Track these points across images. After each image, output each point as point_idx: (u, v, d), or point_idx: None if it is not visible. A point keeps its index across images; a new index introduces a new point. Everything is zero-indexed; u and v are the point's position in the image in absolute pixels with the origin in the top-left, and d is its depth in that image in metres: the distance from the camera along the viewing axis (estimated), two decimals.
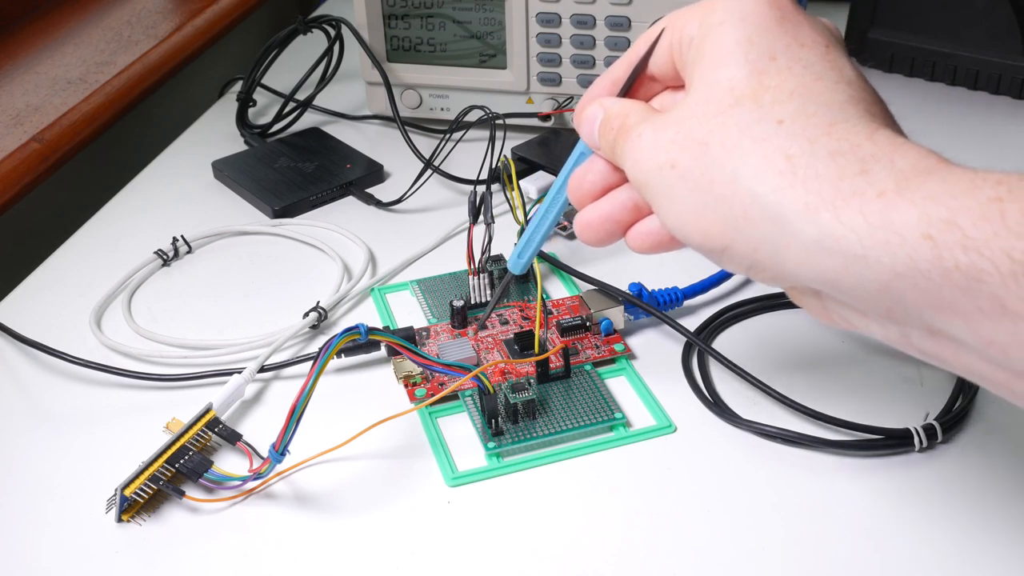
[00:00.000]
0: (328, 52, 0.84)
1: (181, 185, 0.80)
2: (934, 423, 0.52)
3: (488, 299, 0.62)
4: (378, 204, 0.75)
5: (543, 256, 0.67)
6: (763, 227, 0.36)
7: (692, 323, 0.61)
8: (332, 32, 0.84)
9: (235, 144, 0.84)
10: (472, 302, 0.62)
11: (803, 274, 0.36)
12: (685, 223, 0.39)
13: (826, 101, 0.37)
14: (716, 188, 0.38)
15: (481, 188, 0.63)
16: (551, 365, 0.57)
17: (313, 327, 0.62)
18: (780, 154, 0.36)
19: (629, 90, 0.45)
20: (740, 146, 0.37)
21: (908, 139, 0.36)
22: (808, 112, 0.37)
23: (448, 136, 0.75)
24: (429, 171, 0.74)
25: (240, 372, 0.57)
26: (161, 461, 0.50)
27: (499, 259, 0.66)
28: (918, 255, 0.33)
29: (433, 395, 0.55)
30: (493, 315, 0.62)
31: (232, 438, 0.53)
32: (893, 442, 0.52)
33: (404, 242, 0.70)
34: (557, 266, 0.66)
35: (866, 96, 0.38)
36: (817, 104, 0.37)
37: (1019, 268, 0.31)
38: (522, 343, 0.58)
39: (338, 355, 0.58)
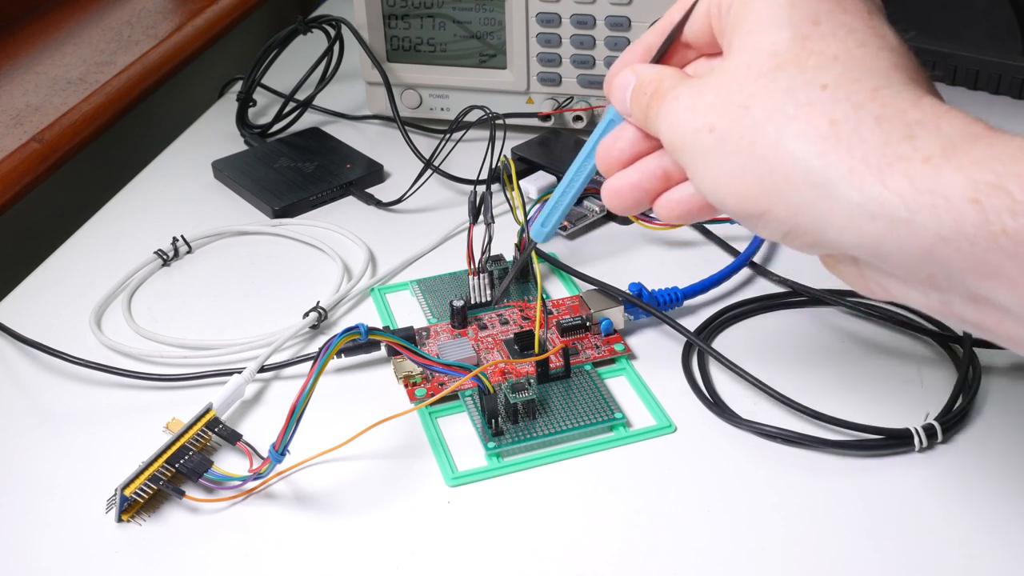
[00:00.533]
0: (328, 52, 0.84)
1: (181, 185, 0.80)
2: (934, 423, 0.52)
3: (488, 299, 0.62)
4: (378, 204, 0.75)
5: (543, 256, 0.67)
6: (805, 191, 0.36)
7: (692, 323, 0.61)
8: (332, 32, 0.84)
9: (235, 144, 0.84)
10: (472, 302, 0.62)
11: (845, 240, 0.36)
12: (722, 187, 0.39)
13: (870, 67, 0.37)
14: (757, 150, 0.37)
15: (481, 188, 0.63)
16: (551, 365, 0.57)
17: (313, 327, 0.62)
18: (825, 119, 0.36)
19: (663, 57, 0.44)
20: (783, 110, 0.37)
21: (953, 107, 0.36)
22: (853, 77, 0.36)
23: (448, 136, 0.75)
24: (429, 171, 0.74)
25: (240, 372, 0.57)
26: (161, 461, 0.50)
27: (499, 259, 0.66)
28: (964, 219, 0.32)
29: (433, 395, 0.55)
30: (493, 315, 0.62)
31: (232, 438, 0.53)
32: (893, 442, 0.52)
33: (404, 242, 0.70)
34: (557, 266, 0.66)
35: (909, 63, 0.38)
36: (861, 70, 0.36)
37: None
38: (522, 343, 0.58)
39: (338, 355, 0.58)
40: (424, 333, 0.60)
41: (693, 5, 0.43)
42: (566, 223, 0.69)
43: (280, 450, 0.50)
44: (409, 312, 0.64)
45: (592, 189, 0.70)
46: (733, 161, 0.38)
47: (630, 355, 0.59)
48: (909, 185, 0.33)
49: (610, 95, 0.44)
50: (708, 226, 0.69)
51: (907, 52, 0.38)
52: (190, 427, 0.52)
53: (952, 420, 0.53)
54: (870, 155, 0.35)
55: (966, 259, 0.33)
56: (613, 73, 0.44)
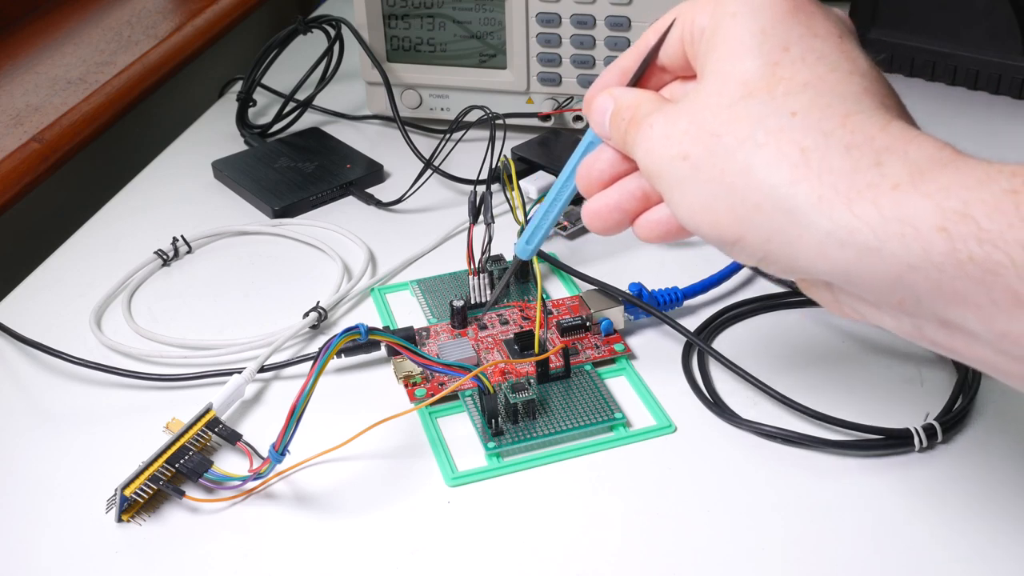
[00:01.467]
0: (328, 52, 0.84)
1: (181, 185, 0.80)
2: (934, 423, 0.52)
3: (488, 299, 0.62)
4: (378, 204, 0.75)
5: (543, 256, 0.67)
6: (776, 219, 0.36)
7: (692, 323, 0.61)
8: (332, 32, 0.84)
9: (235, 144, 0.84)
10: (472, 302, 0.62)
11: (816, 267, 0.36)
12: (696, 214, 0.39)
13: (840, 92, 0.37)
14: (728, 179, 0.37)
15: (481, 188, 0.63)
16: (551, 365, 0.57)
17: (313, 327, 0.62)
18: (794, 147, 0.36)
19: (639, 80, 0.45)
20: (753, 138, 0.37)
21: (922, 131, 0.36)
22: (823, 104, 0.37)
23: (448, 136, 0.75)
24: (429, 171, 0.74)
25: (240, 372, 0.57)
26: (161, 461, 0.50)
27: (499, 259, 0.66)
28: (932, 247, 0.33)
29: (433, 395, 0.55)
30: (493, 315, 0.62)
31: (232, 438, 0.53)
32: (893, 442, 0.52)
33: (404, 242, 0.70)
34: (557, 266, 0.66)
35: (880, 88, 0.38)
36: (831, 95, 0.37)
37: None
38: (522, 343, 0.58)
39: (338, 355, 0.58)
40: (424, 333, 0.60)
41: (667, 30, 0.43)
42: (566, 223, 0.69)
43: (280, 450, 0.50)
44: (409, 312, 0.64)
45: None
46: (707, 189, 0.38)
47: (630, 355, 0.59)
48: (877, 213, 0.34)
49: (589, 118, 0.45)
50: None
51: (878, 76, 0.39)
52: (190, 427, 0.52)
53: (952, 420, 0.53)
54: (839, 183, 0.35)
55: (934, 286, 0.33)
56: (591, 96, 0.45)
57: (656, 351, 0.60)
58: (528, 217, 0.63)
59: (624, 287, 0.61)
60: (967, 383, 0.55)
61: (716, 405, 0.55)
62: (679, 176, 0.39)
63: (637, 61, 0.45)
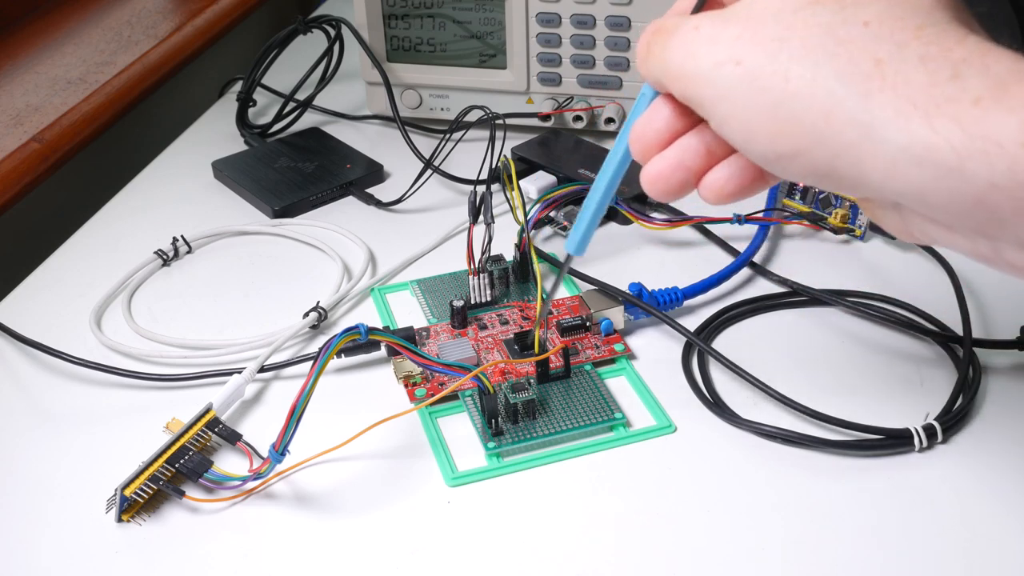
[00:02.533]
0: (328, 52, 0.84)
1: (181, 185, 0.80)
2: (934, 423, 0.52)
3: (488, 299, 0.62)
4: (378, 204, 0.75)
5: (543, 256, 0.67)
6: (847, 132, 0.34)
7: (692, 323, 0.61)
8: (332, 32, 0.84)
9: (235, 144, 0.84)
10: (472, 302, 0.62)
11: (888, 185, 0.34)
12: (750, 126, 0.36)
13: (912, 4, 0.35)
14: (791, 87, 0.35)
15: (481, 188, 0.63)
16: (551, 365, 0.57)
17: (313, 327, 0.62)
18: (868, 57, 0.34)
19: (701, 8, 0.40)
20: (823, 46, 0.35)
21: (998, 45, 0.34)
22: (895, 15, 0.34)
23: (448, 136, 0.75)
24: (429, 171, 0.74)
25: (240, 372, 0.57)
26: (161, 461, 0.50)
27: (499, 259, 0.66)
28: (1018, 165, 0.31)
29: (433, 395, 0.55)
30: (493, 315, 0.62)
31: (232, 438, 0.53)
32: (893, 442, 0.52)
33: (404, 242, 0.70)
34: (557, 266, 0.66)
35: (951, 1, 0.36)
36: (903, 7, 0.35)
37: None
38: (522, 343, 0.58)
39: (338, 355, 0.58)
40: (424, 333, 0.60)
41: None
42: (565, 223, 0.69)
43: (280, 450, 0.50)
44: (409, 312, 0.64)
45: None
46: (764, 98, 0.35)
47: (630, 355, 0.59)
48: (959, 129, 0.32)
49: (638, 64, 0.41)
50: (708, 226, 0.70)
51: None
52: (190, 427, 0.52)
53: (952, 420, 0.53)
54: (916, 96, 0.33)
55: (1020, 205, 0.31)
56: (642, 42, 0.40)
57: (656, 351, 0.60)
58: (528, 217, 0.63)
59: (624, 287, 0.61)
60: (967, 383, 0.55)
61: (716, 405, 0.55)
62: (729, 83, 0.36)
63: None
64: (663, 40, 0.38)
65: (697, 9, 0.40)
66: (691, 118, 0.40)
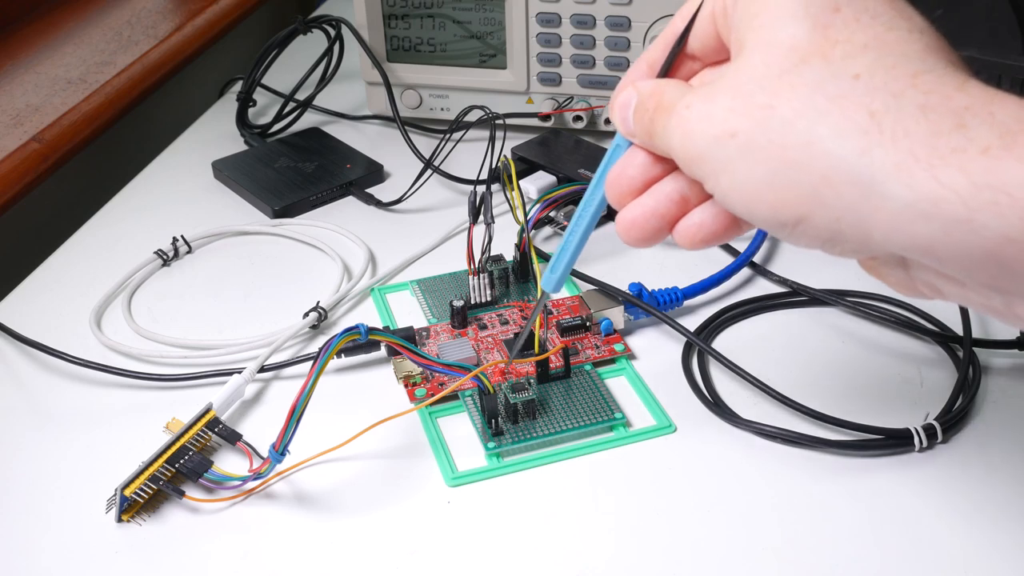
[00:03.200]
0: (328, 52, 0.84)
1: (181, 185, 0.80)
2: (934, 423, 0.52)
3: (488, 299, 0.62)
4: (378, 204, 0.75)
5: (543, 256, 0.67)
6: (847, 193, 0.33)
7: (692, 323, 0.61)
8: (332, 32, 0.84)
9: (235, 144, 0.84)
10: (472, 302, 0.62)
11: (894, 242, 0.33)
12: (751, 197, 0.35)
13: (904, 52, 0.33)
14: (788, 153, 0.34)
15: (481, 188, 0.63)
16: (551, 365, 0.57)
17: (313, 327, 0.62)
18: (862, 111, 0.33)
19: (669, 71, 0.41)
20: (814, 106, 0.33)
21: (999, 90, 0.32)
22: (886, 64, 0.33)
23: (448, 136, 0.75)
24: (429, 171, 0.74)
25: (240, 372, 0.57)
26: (161, 461, 0.50)
27: (499, 259, 0.66)
28: None
29: (433, 395, 0.55)
30: (493, 315, 0.62)
31: (232, 438, 0.53)
32: (893, 442, 0.52)
33: (404, 242, 0.70)
34: None
35: (943, 44, 0.35)
36: (894, 55, 0.33)
37: None
38: (522, 343, 0.58)
39: (338, 355, 0.58)
40: (424, 333, 0.60)
41: (698, 8, 0.40)
42: (565, 223, 0.69)
43: (280, 450, 0.50)
44: (409, 312, 0.64)
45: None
46: (762, 168, 0.35)
47: (630, 355, 0.59)
48: (966, 180, 0.30)
49: (613, 118, 0.41)
50: None
51: (938, 34, 0.35)
52: (190, 427, 0.52)
53: (952, 420, 0.53)
54: (918, 148, 0.31)
55: None
56: (615, 95, 0.41)
57: (656, 351, 0.60)
58: (528, 216, 0.63)
59: (624, 287, 0.61)
60: (967, 383, 0.55)
61: (716, 405, 0.55)
62: (727, 157, 0.35)
63: (665, 51, 0.41)
64: (662, 119, 0.38)
65: (664, 72, 0.41)
66: (665, 165, 0.40)
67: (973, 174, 0.30)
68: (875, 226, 0.33)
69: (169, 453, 0.51)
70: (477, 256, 0.62)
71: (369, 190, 0.77)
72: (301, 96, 0.84)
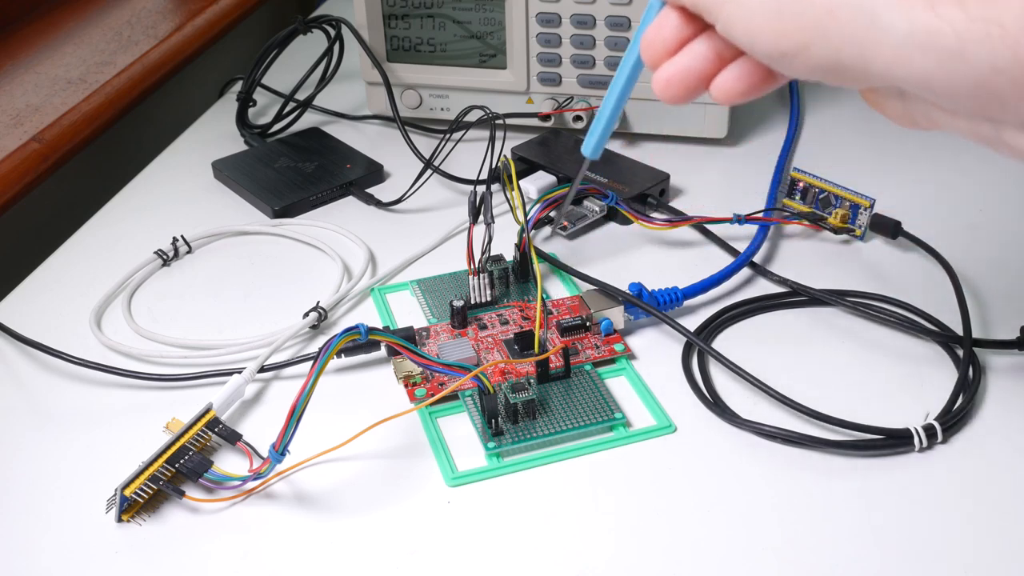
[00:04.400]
0: (328, 52, 0.84)
1: (181, 185, 0.80)
2: (934, 423, 0.52)
3: (488, 299, 0.62)
4: (378, 204, 0.75)
5: (543, 256, 0.67)
6: (850, 23, 0.35)
7: (692, 323, 0.61)
8: (332, 32, 0.84)
9: (235, 144, 0.84)
10: (472, 302, 0.62)
11: (892, 74, 0.35)
12: (756, 24, 0.37)
13: None
14: None
15: (481, 188, 0.63)
16: (551, 365, 0.57)
17: (313, 327, 0.62)
18: None
19: None
20: None
21: None
22: None
23: (448, 136, 0.75)
24: (429, 171, 0.74)
25: (240, 372, 0.57)
26: (161, 461, 0.50)
27: (499, 259, 0.66)
28: (1020, 47, 0.32)
29: (433, 395, 0.55)
30: (493, 315, 0.62)
31: (232, 438, 0.53)
32: (893, 442, 0.52)
33: (404, 242, 0.70)
34: (557, 266, 0.66)
35: None
36: None
37: None
38: (522, 343, 0.58)
39: (338, 355, 0.58)
40: (424, 333, 0.60)
41: None
42: (565, 223, 0.69)
43: (280, 450, 0.50)
44: (409, 312, 0.64)
45: (592, 189, 0.70)
46: None
47: (630, 355, 0.59)
48: (962, 13, 0.32)
49: None
50: (708, 226, 0.70)
51: None
52: (190, 427, 0.52)
53: (952, 420, 0.53)
54: None
55: (1021, 87, 0.32)
56: None
57: (656, 351, 0.60)
58: (528, 217, 0.63)
59: (624, 287, 0.61)
60: (967, 383, 0.55)
61: (716, 405, 0.55)
62: None
63: None
64: None
65: None
66: (698, 24, 0.41)
67: (968, 7, 0.33)
68: (876, 56, 0.35)
69: (169, 453, 0.51)
70: (477, 256, 0.62)
71: (369, 190, 0.77)
72: (301, 96, 0.84)
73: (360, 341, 0.52)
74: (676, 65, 0.42)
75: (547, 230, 0.71)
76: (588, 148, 0.48)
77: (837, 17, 0.35)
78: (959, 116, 0.36)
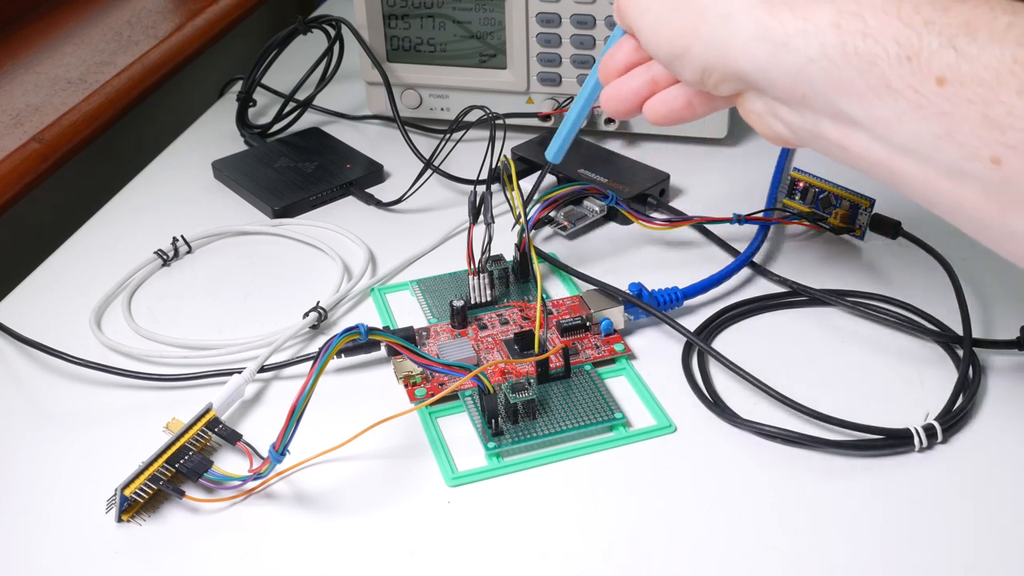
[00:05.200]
0: (328, 52, 0.84)
1: (181, 185, 0.80)
2: (934, 423, 0.52)
3: (488, 299, 0.62)
4: (378, 204, 0.75)
5: (543, 256, 0.67)
6: (714, 25, 0.45)
7: (692, 323, 0.61)
8: (332, 32, 0.84)
9: (235, 144, 0.84)
10: (472, 302, 0.62)
11: (743, 65, 0.44)
12: (656, 32, 0.48)
13: None
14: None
15: (481, 188, 0.63)
16: (551, 365, 0.57)
17: (313, 327, 0.62)
18: None
19: None
20: None
21: None
22: None
23: (448, 136, 0.75)
24: (429, 171, 0.74)
25: (240, 372, 0.57)
26: (161, 461, 0.50)
27: (499, 259, 0.66)
28: (827, 41, 0.41)
29: (433, 395, 0.55)
30: (493, 315, 0.62)
31: (232, 438, 0.53)
32: (893, 442, 0.52)
33: (404, 242, 0.70)
34: (557, 266, 0.66)
35: None
36: None
37: (903, 52, 0.39)
38: (522, 343, 0.58)
39: (338, 355, 0.58)
40: (424, 333, 0.60)
41: None
42: (566, 223, 0.69)
43: (280, 450, 0.50)
44: (409, 312, 0.64)
45: (592, 189, 0.70)
46: (665, 7, 0.47)
47: (630, 355, 0.59)
48: (790, 14, 0.42)
49: (615, 13, 0.52)
50: (708, 226, 0.70)
51: None
52: (190, 427, 0.52)
53: (952, 420, 0.53)
54: None
55: (828, 78, 0.41)
56: None
57: (656, 351, 0.60)
58: (528, 217, 0.63)
59: (624, 287, 0.61)
60: (967, 383, 0.55)
61: (716, 405, 0.55)
62: (646, 5, 0.48)
63: None
64: None
65: None
66: (644, 54, 0.51)
67: (795, 8, 0.42)
68: (731, 48, 0.44)
69: (169, 453, 0.51)
70: (477, 256, 0.62)
71: (369, 190, 0.77)
72: (301, 96, 0.84)
73: (360, 341, 0.52)
74: (619, 85, 0.52)
75: (547, 230, 0.71)
76: (551, 153, 0.58)
77: (706, 19, 0.45)
78: (791, 108, 0.44)
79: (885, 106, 0.40)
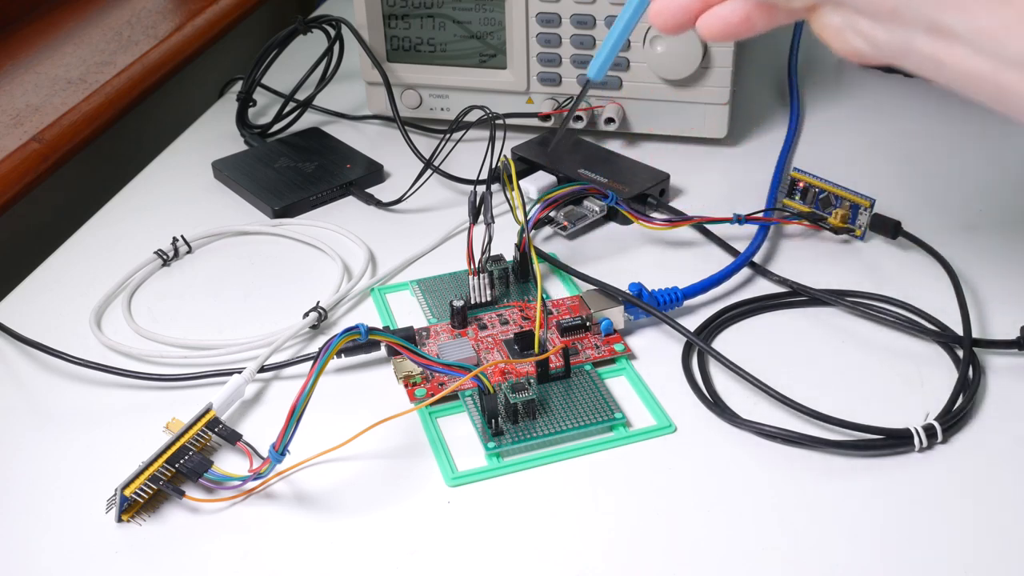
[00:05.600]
0: (328, 52, 0.84)
1: (181, 185, 0.80)
2: (934, 423, 0.52)
3: (488, 299, 0.62)
4: (378, 204, 0.75)
5: (543, 256, 0.67)
6: None
7: (692, 323, 0.61)
8: (332, 32, 0.84)
9: (235, 144, 0.84)
10: (472, 302, 0.62)
11: None
12: None
13: None
14: None
15: (481, 188, 0.63)
16: (551, 365, 0.57)
17: (313, 327, 0.62)
18: None
19: None
20: None
21: None
22: None
23: (448, 136, 0.75)
24: (429, 171, 0.74)
25: (240, 372, 0.57)
26: (161, 461, 0.50)
27: (499, 259, 0.66)
28: None
29: (433, 395, 0.55)
30: (493, 315, 0.62)
31: (232, 438, 0.53)
32: (893, 442, 0.52)
33: (404, 242, 0.70)
34: (557, 266, 0.66)
35: None
36: None
37: None
38: (522, 343, 0.58)
39: (338, 355, 0.58)
40: (424, 333, 0.60)
41: None
42: (566, 223, 0.69)
43: (280, 450, 0.50)
44: (409, 312, 0.64)
45: (592, 189, 0.70)
46: None
47: (630, 355, 0.59)
48: None
49: None
50: (708, 226, 0.70)
51: None
52: (190, 427, 0.52)
53: (952, 420, 0.53)
54: None
55: None
56: None
57: (656, 351, 0.60)
58: (528, 217, 0.63)
59: (624, 287, 0.61)
60: (967, 383, 0.55)
61: (716, 405, 0.55)
62: None
63: None
64: None
65: None
66: None
67: None
68: None
69: (169, 453, 0.51)
70: (477, 256, 0.62)
71: (369, 190, 0.77)
72: (301, 96, 0.84)
73: (360, 341, 0.52)
74: None
75: (547, 230, 0.71)
76: (592, 70, 0.55)
77: None
78: (878, 23, 0.41)
79: (992, 15, 0.37)
